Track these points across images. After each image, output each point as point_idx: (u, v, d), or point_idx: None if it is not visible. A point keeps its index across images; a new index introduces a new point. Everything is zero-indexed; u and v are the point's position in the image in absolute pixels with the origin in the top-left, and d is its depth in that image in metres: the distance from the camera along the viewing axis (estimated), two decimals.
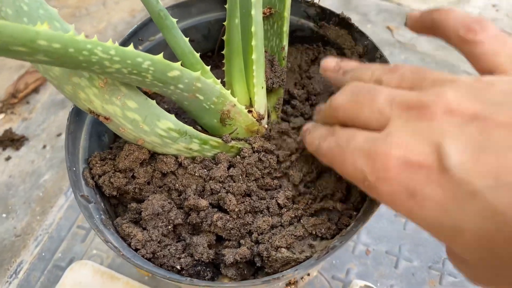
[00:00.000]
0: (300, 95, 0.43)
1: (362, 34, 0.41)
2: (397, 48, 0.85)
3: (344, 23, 0.42)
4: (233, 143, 0.37)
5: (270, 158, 0.37)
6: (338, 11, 0.42)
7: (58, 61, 0.25)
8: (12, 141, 0.71)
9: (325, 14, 0.43)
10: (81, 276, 0.52)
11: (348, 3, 0.94)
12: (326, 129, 0.29)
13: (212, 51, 0.47)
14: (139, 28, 0.41)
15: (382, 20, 0.92)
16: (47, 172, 0.65)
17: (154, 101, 0.33)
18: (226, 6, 0.39)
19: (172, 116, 0.33)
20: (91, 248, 0.55)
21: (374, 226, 0.57)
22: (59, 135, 0.70)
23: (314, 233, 0.34)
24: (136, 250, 0.33)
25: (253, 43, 0.36)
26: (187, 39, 0.35)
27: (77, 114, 0.36)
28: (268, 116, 0.41)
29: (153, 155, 0.36)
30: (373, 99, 0.24)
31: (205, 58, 0.47)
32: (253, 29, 0.36)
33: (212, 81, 0.33)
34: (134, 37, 0.41)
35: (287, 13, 0.40)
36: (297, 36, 0.45)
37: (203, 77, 0.32)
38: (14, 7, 0.30)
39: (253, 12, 0.35)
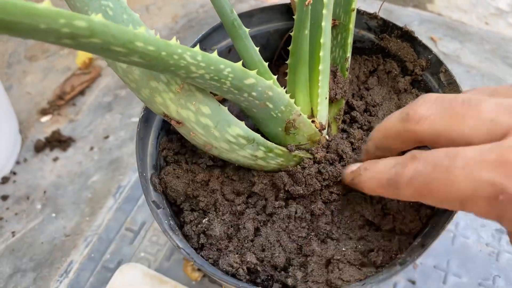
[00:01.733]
0: (359, 106, 0.43)
1: (425, 47, 0.40)
2: (441, 59, 0.84)
3: (406, 36, 0.42)
4: (296, 152, 0.37)
5: (330, 170, 0.37)
6: None
7: (150, 63, 0.25)
8: (60, 142, 0.73)
9: (387, 27, 0.43)
10: (131, 278, 0.53)
11: (390, 13, 0.94)
12: (394, 159, 0.26)
13: (270, 60, 0.48)
14: (203, 37, 0.42)
15: (425, 30, 0.91)
16: (95, 173, 0.66)
17: (226, 107, 0.33)
18: (295, 17, 0.39)
19: (242, 123, 0.34)
20: (139, 251, 0.56)
21: None
22: (106, 137, 0.71)
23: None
24: (207, 258, 0.33)
25: (321, 54, 0.37)
26: (257, 49, 0.35)
27: (146, 121, 0.37)
28: (328, 126, 0.41)
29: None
30: (478, 108, 0.22)
31: None
32: (322, 40, 0.36)
33: (282, 91, 0.34)
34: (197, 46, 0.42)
35: (352, 25, 0.40)
36: (356, 47, 0.45)
37: (274, 86, 0.32)
38: (100, 11, 0.31)
39: (323, 23, 0.36)
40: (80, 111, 0.79)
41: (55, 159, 0.71)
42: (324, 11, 0.35)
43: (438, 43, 0.88)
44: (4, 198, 0.68)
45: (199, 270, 0.53)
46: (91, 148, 0.70)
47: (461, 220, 0.57)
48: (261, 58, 0.36)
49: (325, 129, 0.39)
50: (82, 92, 0.82)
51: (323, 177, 0.37)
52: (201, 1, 1.02)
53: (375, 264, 0.33)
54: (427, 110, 0.25)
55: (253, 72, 0.30)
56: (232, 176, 0.39)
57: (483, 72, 0.81)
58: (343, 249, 0.34)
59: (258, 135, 0.34)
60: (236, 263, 0.33)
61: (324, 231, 0.36)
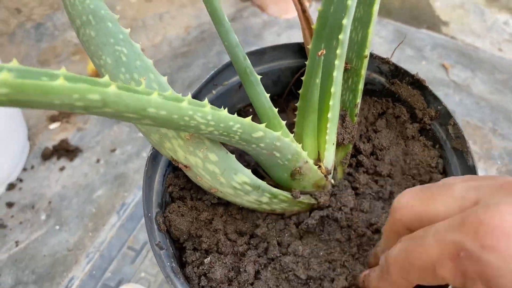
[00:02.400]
0: (366, 150, 0.43)
1: (435, 97, 0.40)
2: (452, 88, 0.84)
3: (417, 83, 0.42)
4: (301, 198, 0.37)
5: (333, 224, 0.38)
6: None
7: (160, 124, 0.26)
8: (67, 151, 0.74)
9: (398, 72, 0.43)
10: None
11: (403, 35, 0.93)
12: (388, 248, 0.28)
13: (280, 95, 0.48)
14: (215, 74, 0.42)
15: (437, 56, 0.91)
16: (100, 187, 0.67)
17: (234, 156, 0.34)
18: (307, 62, 0.40)
19: (249, 171, 0.34)
20: (139, 271, 0.57)
21: None
22: (113, 150, 0.72)
23: None
24: None
25: (331, 102, 0.37)
26: (268, 95, 0.36)
27: (154, 159, 0.38)
28: (334, 169, 0.41)
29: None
30: (452, 188, 0.24)
31: (272, 101, 0.47)
32: (332, 89, 0.36)
33: (289, 140, 0.34)
34: (210, 83, 0.42)
35: (363, 71, 0.40)
36: (366, 89, 0.45)
37: (282, 137, 0.33)
38: (114, 57, 0.32)
39: (334, 73, 0.36)
40: (89, 120, 0.79)
41: (62, 169, 0.72)
42: (336, 62, 0.35)
43: (449, 71, 0.88)
44: (10, 205, 0.69)
45: None
46: (98, 160, 0.71)
47: None
48: (271, 104, 0.36)
49: (331, 173, 0.39)
50: None
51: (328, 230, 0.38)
52: None
53: None
54: (408, 198, 0.27)
55: (262, 126, 0.31)
56: (236, 215, 0.39)
57: (493, 104, 0.81)
58: None
59: (264, 183, 0.35)
60: None
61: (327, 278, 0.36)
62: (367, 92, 0.45)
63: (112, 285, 0.56)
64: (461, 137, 0.38)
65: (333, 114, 0.37)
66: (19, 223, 0.66)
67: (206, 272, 0.36)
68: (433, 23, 1.07)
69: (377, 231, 0.39)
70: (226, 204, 0.40)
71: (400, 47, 0.93)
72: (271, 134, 0.32)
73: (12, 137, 0.70)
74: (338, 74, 0.36)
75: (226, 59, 0.41)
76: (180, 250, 0.39)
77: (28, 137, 0.76)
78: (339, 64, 0.36)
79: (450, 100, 0.80)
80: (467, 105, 0.80)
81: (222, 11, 0.31)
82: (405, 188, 0.41)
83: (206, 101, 0.27)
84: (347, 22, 0.34)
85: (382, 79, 0.44)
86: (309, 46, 0.40)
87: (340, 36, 0.34)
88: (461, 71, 0.87)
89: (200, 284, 0.35)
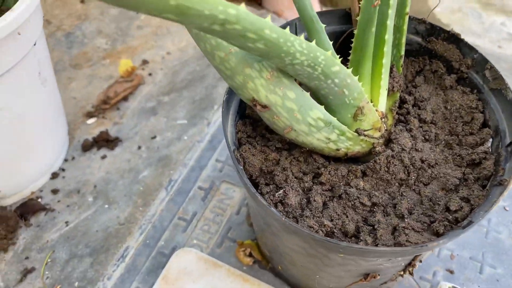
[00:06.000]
0: (409, 100, 0.48)
1: (471, 48, 0.46)
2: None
3: (453, 38, 0.47)
4: (362, 137, 0.42)
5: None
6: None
7: (268, 49, 0.30)
8: (107, 141, 0.78)
9: (434, 30, 0.48)
10: (186, 262, 0.56)
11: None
12: None
13: None
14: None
15: None
16: (145, 169, 0.70)
17: (309, 93, 0.38)
18: (358, 18, 0.45)
19: (322, 107, 0.38)
20: (191, 238, 0.60)
21: None
22: (153, 137, 0.76)
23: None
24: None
25: (385, 49, 0.42)
26: (331, 42, 0.41)
27: (227, 102, 0.42)
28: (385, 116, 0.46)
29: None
30: None
31: None
32: (386, 37, 0.41)
33: (356, 79, 0.39)
34: None
35: (405, 27, 0.45)
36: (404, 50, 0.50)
37: (352, 74, 0.37)
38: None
39: (388, 22, 0.41)
40: (124, 114, 0.83)
41: (103, 157, 0.75)
42: (389, 11, 0.40)
43: None
44: (55, 191, 0.72)
45: (250, 255, 0.57)
46: (139, 147, 0.75)
47: (493, 217, 0.61)
48: (334, 51, 0.41)
49: (385, 117, 0.44)
50: (125, 98, 0.87)
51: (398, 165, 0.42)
52: None
53: (437, 234, 0.37)
54: None
55: (338, 61, 0.35)
56: (299, 157, 0.43)
57: None
58: (406, 220, 0.39)
59: (334, 119, 0.39)
60: (315, 225, 0.37)
61: (389, 204, 0.40)
62: (405, 53, 0.50)
63: (166, 252, 0.58)
64: (499, 77, 0.43)
65: (386, 60, 0.42)
66: (66, 206, 0.68)
67: (282, 199, 0.39)
68: None
69: (429, 165, 0.43)
70: (288, 149, 0.44)
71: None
72: (345, 70, 0.36)
73: (55, 131, 0.74)
74: (391, 23, 0.41)
75: None
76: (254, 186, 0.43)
77: (67, 132, 0.80)
78: (391, 13, 0.41)
79: None
80: None
81: None
82: (449, 130, 0.46)
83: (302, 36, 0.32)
84: None
85: (419, 39, 0.49)
86: (360, 4, 0.45)
87: None
88: None
89: (277, 209, 0.39)
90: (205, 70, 0.89)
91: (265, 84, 0.37)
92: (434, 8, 0.54)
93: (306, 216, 0.38)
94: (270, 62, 0.35)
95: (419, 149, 0.44)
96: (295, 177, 0.42)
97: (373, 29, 0.41)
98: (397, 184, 0.42)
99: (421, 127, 0.46)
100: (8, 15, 0.52)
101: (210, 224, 0.61)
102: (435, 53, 0.48)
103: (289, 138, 0.41)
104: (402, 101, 0.48)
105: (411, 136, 0.44)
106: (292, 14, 1.09)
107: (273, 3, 1.10)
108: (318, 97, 0.40)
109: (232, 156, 0.38)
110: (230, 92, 0.43)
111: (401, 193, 0.42)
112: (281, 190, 0.40)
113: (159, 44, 1.02)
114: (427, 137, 0.45)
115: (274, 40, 0.29)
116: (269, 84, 0.37)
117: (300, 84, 0.39)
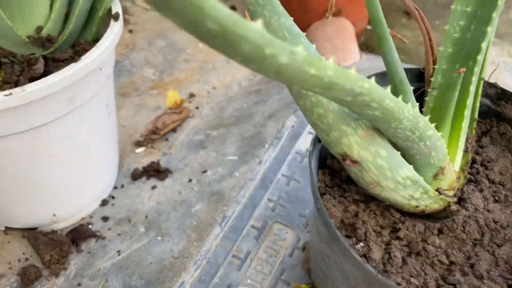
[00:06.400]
0: (478, 161, 0.49)
1: None
2: None
3: None
4: (442, 196, 0.43)
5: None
6: None
7: (384, 117, 0.32)
8: (158, 172, 0.80)
9: (504, 95, 0.50)
10: None
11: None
12: None
13: None
14: None
15: None
16: (197, 203, 0.72)
17: (399, 152, 0.40)
18: (438, 80, 0.47)
19: (411, 167, 0.40)
20: (245, 277, 0.61)
21: None
22: (204, 171, 0.78)
23: None
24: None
25: (465, 113, 0.44)
26: (417, 104, 0.43)
27: (311, 154, 0.44)
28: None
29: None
30: None
31: None
32: (468, 101, 0.43)
33: (443, 142, 0.41)
34: None
35: (480, 91, 0.48)
36: None
37: (441, 137, 0.39)
38: None
39: (471, 88, 0.43)
40: (173, 146, 0.86)
41: (153, 187, 0.77)
42: (473, 78, 0.43)
43: None
44: (105, 219, 0.73)
45: None
46: (189, 180, 0.77)
47: None
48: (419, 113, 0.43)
49: (459, 177, 0.46)
50: (173, 130, 0.90)
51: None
52: None
53: None
54: None
55: (432, 125, 0.37)
56: (375, 211, 0.45)
57: None
58: (485, 281, 0.40)
59: (421, 178, 0.41)
60: (402, 282, 0.38)
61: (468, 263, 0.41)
62: None
63: None
64: None
65: (466, 124, 0.44)
66: (117, 234, 0.70)
67: (365, 253, 0.41)
68: None
69: (502, 227, 0.44)
70: (365, 201, 0.46)
71: None
72: (437, 134, 0.38)
73: (110, 158, 0.76)
74: (473, 89, 0.44)
75: None
76: None
77: (118, 160, 0.82)
78: (475, 80, 0.43)
79: None
80: None
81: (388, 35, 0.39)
82: None
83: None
84: (484, 45, 0.42)
85: (488, 102, 0.52)
86: (435, 66, 0.47)
87: (478, 57, 0.42)
88: None
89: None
90: (252, 108, 0.92)
91: (359, 141, 0.39)
92: (494, 71, 0.57)
93: (392, 272, 0.39)
94: (376, 125, 0.38)
95: (491, 210, 0.45)
96: (373, 231, 0.44)
97: (456, 93, 0.43)
98: (471, 243, 0.43)
99: (489, 187, 0.48)
100: (94, 51, 0.55)
101: (263, 264, 0.62)
102: (504, 116, 0.51)
103: (373, 192, 0.42)
104: (472, 161, 0.49)
105: (483, 196, 0.46)
106: (335, 59, 1.12)
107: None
108: (404, 156, 0.42)
109: (323, 208, 0.40)
110: (314, 143, 0.45)
111: (476, 253, 0.43)
112: (362, 243, 0.41)
113: (205, 78, 1.05)
114: (496, 198, 0.47)
115: (391, 108, 0.31)
116: (363, 141, 0.39)
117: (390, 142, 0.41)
